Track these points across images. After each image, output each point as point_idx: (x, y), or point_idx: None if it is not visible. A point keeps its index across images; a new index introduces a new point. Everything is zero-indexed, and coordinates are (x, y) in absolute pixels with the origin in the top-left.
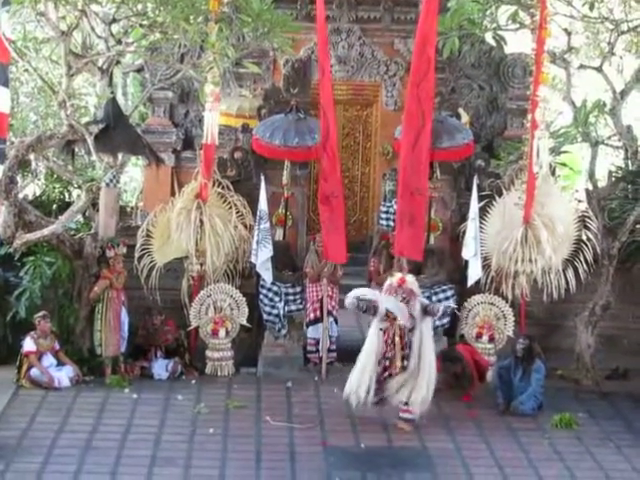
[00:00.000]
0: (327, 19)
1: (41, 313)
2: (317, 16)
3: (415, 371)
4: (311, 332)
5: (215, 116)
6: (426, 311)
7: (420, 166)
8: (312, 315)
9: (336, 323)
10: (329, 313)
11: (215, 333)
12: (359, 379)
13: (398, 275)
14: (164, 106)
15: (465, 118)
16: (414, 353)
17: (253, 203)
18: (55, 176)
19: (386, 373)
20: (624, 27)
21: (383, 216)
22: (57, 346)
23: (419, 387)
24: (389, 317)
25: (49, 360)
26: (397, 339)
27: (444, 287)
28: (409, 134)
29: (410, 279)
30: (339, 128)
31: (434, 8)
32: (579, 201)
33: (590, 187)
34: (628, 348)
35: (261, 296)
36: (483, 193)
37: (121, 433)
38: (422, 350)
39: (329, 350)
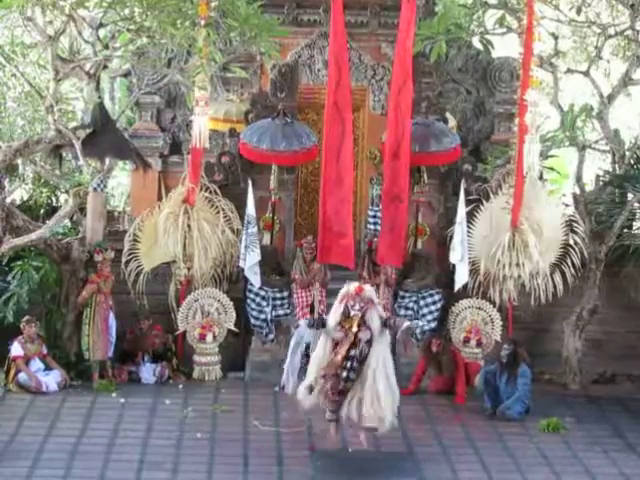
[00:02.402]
0: (314, 24)
1: (26, 318)
2: (332, 24)
3: (372, 386)
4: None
5: (205, 121)
6: (385, 324)
7: (400, 173)
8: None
9: None
10: (320, 317)
11: (202, 337)
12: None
13: (355, 284)
14: (151, 111)
15: (452, 122)
16: (371, 367)
17: (241, 207)
18: (42, 181)
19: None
20: (611, 31)
21: (371, 220)
22: (45, 351)
23: (371, 401)
24: (343, 327)
25: (37, 365)
26: (342, 350)
27: (431, 291)
28: (391, 141)
29: (368, 288)
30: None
31: (411, 16)
32: (566, 205)
33: (577, 191)
34: (615, 352)
35: (248, 300)
36: (470, 197)
37: (109, 437)
38: (378, 364)
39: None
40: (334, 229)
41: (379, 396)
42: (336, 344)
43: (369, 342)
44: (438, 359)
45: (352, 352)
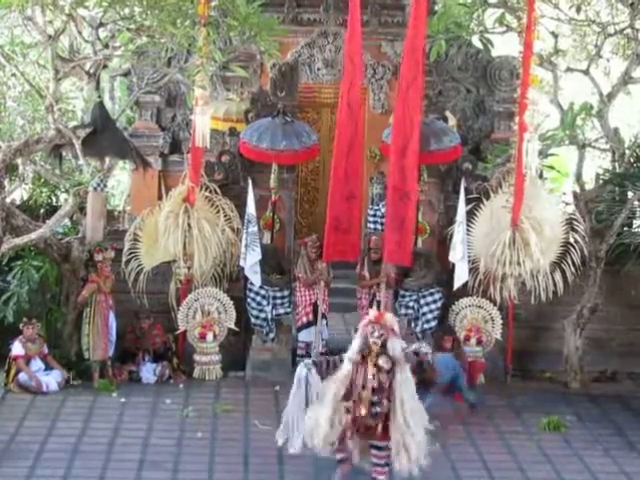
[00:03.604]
0: (314, 22)
1: (25, 319)
2: (350, 24)
3: (402, 424)
4: (303, 336)
5: (206, 120)
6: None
7: (409, 170)
8: (305, 319)
9: (326, 325)
10: (323, 316)
11: (203, 337)
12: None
13: (375, 311)
14: (151, 110)
15: (452, 121)
16: (398, 403)
17: (241, 207)
18: (42, 180)
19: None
20: (611, 30)
21: (371, 219)
22: (45, 350)
23: (408, 444)
24: (360, 354)
25: (37, 364)
26: (369, 378)
27: (432, 290)
28: (398, 138)
29: (389, 316)
30: (326, 131)
31: (423, 13)
32: (566, 204)
33: (577, 190)
34: (616, 350)
35: (249, 299)
36: (470, 196)
37: (109, 437)
38: (406, 400)
39: (320, 353)
40: (340, 228)
41: (414, 435)
42: (351, 382)
43: (390, 372)
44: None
45: (378, 382)
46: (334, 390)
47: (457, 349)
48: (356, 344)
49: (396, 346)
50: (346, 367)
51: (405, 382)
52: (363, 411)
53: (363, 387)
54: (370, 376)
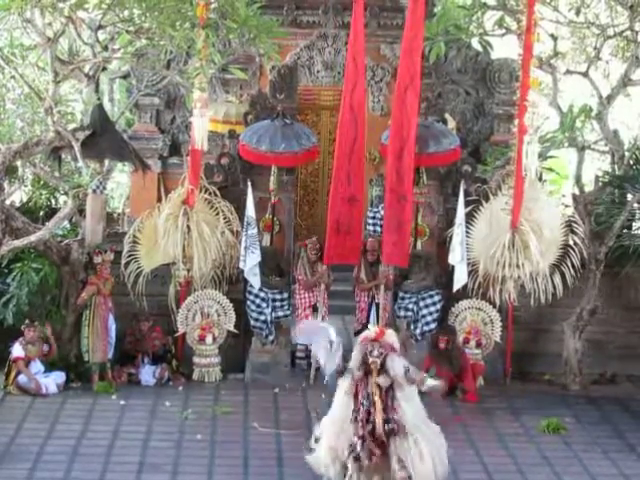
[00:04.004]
0: (313, 25)
1: (27, 322)
2: (353, 25)
3: (411, 442)
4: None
5: (205, 122)
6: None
7: (406, 172)
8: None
9: None
10: (323, 318)
11: (202, 339)
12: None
13: (375, 328)
14: (150, 112)
15: (452, 123)
16: (400, 420)
17: (240, 209)
18: (42, 182)
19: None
20: (610, 32)
21: (370, 222)
22: (45, 349)
23: (421, 459)
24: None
25: (37, 366)
26: (376, 398)
27: (431, 292)
28: (395, 140)
29: (389, 332)
30: (326, 134)
31: (420, 15)
32: (566, 206)
33: (577, 192)
34: (615, 353)
35: (248, 302)
36: (470, 198)
37: (109, 439)
38: (408, 418)
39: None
40: (341, 230)
41: (423, 455)
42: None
43: (388, 390)
44: (447, 356)
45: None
46: (338, 411)
47: (453, 350)
48: (353, 362)
49: (396, 365)
50: (347, 385)
51: (407, 399)
52: (380, 428)
53: (370, 408)
54: (376, 396)
